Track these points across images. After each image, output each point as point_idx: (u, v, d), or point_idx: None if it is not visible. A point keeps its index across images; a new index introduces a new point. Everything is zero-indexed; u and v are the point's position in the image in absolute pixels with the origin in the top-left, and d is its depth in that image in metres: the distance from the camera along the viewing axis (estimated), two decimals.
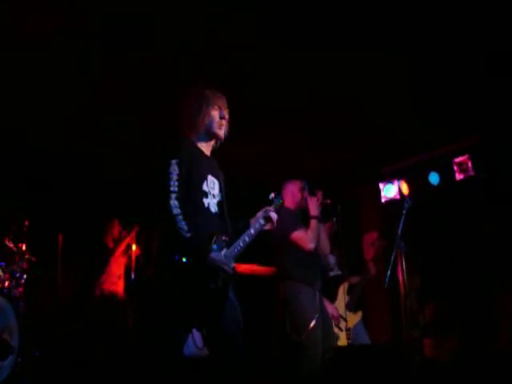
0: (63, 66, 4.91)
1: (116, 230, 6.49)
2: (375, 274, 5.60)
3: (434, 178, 6.70)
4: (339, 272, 5.66)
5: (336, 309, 5.37)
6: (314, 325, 4.52)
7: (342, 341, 5.33)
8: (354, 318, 5.47)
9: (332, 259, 5.65)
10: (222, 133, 3.35)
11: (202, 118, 3.28)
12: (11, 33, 4.42)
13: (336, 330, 5.27)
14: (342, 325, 5.38)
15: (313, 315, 4.57)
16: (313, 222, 4.79)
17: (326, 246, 5.20)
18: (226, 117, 3.36)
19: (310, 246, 4.74)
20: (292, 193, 5.03)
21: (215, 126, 3.32)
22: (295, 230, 4.78)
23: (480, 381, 4.31)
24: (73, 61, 4.84)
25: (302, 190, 5.02)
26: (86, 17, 4.27)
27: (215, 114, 3.31)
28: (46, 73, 5.00)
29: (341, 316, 5.39)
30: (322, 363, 4.45)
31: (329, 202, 4.92)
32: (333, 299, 5.48)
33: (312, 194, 4.95)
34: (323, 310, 4.81)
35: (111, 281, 6.21)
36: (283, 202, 4.76)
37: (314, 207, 4.85)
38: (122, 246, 6.36)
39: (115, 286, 6.22)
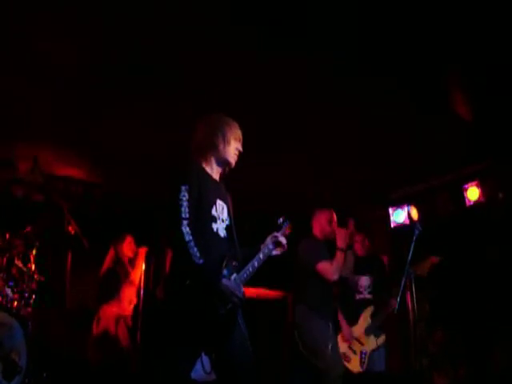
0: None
1: (129, 247, 6.48)
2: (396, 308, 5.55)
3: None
4: (368, 296, 5.66)
5: (350, 332, 5.37)
6: (330, 350, 4.64)
7: (354, 363, 5.31)
8: (374, 343, 5.43)
9: (365, 281, 5.66)
10: (234, 162, 3.44)
11: (224, 145, 3.36)
12: None
13: (349, 352, 5.28)
14: (357, 347, 5.36)
15: (326, 343, 4.66)
16: (338, 254, 4.87)
17: (349, 272, 5.36)
18: (241, 150, 3.45)
19: (334, 277, 4.85)
20: (320, 223, 5.14)
21: (232, 155, 3.40)
22: (320, 260, 4.89)
23: None
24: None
25: (330, 221, 5.13)
26: None
27: (234, 144, 3.40)
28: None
29: (357, 339, 5.38)
30: None
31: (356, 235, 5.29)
32: (354, 321, 5.47)
33: (342, 224, 5.11)
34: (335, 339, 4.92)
35: (122, 307, 6.18)
36: (312, 229, 5.17)
37: (341, 238, 4.92)
38: (139, 271, 6.33)
39: (125, 312, 6.19)
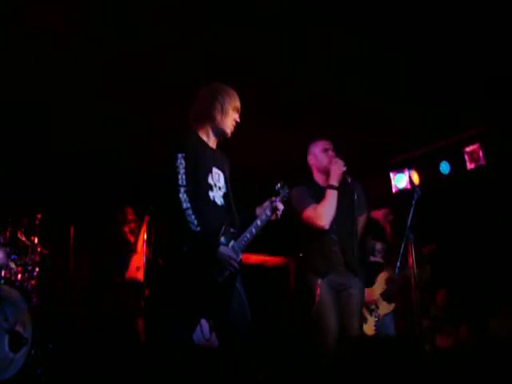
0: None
1: (130, 218, 6.50)
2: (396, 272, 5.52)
3: (444, 168, 6.67)
4: (381, 260, 5.65)
5: (370, 293, 5.32)
6: (320, 296, 4.00)
7: (369, 326, 5.33)
8: (386, 309, 5.43)
9: (378, 245, 5.64)
10: (230, 133, 3.42)
11: (221, 115, 3.33)
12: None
13: (366, 312, 5.25)
14: (373, 309, 5.38)
15: (316, 282, 4.03)
16: (327, 193, 4.05)
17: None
18: (238, 120, 3.43)
19: (321, 223, 4.01)
20: (315, 156, 4.31)
21: (229, 126, 3.38)
22: (306, 206, 4.09)
23: (488, 370, 4.30)
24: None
25: (326, 149, 4.27)
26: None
27: (233, 116, 3.38)
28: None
29: (374, 302, 5.39)
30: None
31: (349, 180, 4.13)
32: (369, 284, 5.48)
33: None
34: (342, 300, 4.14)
35: (129, 274, 6.24)
36: (310, 171, 4.37)
37: (333, 174, 4.08)
38: (142, 239, 6.37)
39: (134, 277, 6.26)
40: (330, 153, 4.24)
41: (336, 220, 4.07)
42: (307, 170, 4.39)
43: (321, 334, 4.00)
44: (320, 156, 4.25)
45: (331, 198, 4.02)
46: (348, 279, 4.12)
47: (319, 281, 4.03)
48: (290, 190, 3.66)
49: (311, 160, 4.32)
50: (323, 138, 4.36)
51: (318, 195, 4.10)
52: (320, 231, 4.05)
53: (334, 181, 4.06)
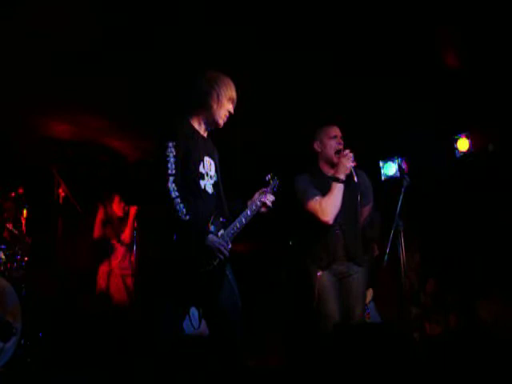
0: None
1: (119, 207, 6.49)
2: (377, 254, 5.54)
3: (434, 155, 6.66)
4: None
5: None
6: (321, 284, 3.92)
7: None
8: (369, 295, 5.43)
9: None
10: (222, 123, 3.38)
11: (216, 105, 3.30)
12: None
13: None
14: None
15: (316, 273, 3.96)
16: (334, 186, 3.90)
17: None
18: (232, 112, 3.39)
19: (326, 217, 3.87)
20: (322, 143, 4.13)
21: (222, 117, 3.35)
22: (311, 197, 3.94)
23: (478, 357, 4.32)
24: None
25: (335, 136, 4.11)
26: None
27: (227, 106, 3.35)
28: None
29: None
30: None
31: (356, 179, 3.99)
32: None
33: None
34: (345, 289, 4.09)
35: (115, 264, 6.24)
36: (315, 158, 4.21)
37: (341, 167, 3.92)
38: (129, 230, 6.36)
39: (119, 269, 6.25)
40: (339, 140, 4.10)
41: (340, 213, 3.96)
42: (311, 158, 4.24)
43: (322, 320, 3.95)
44: (328, 143, 4.10)
45: (337, 192, 3.89)
46: (349, 267, 4.06)
47: (319, 272, 3.96)
48: (280, 182, 3.65)
49: (317, 147, 4.16)
50: (332, 123, 4.20)
51: (323, 185, 3.98)
52: (323, 225, 3.94)
53: (341, 174, 3.92)
